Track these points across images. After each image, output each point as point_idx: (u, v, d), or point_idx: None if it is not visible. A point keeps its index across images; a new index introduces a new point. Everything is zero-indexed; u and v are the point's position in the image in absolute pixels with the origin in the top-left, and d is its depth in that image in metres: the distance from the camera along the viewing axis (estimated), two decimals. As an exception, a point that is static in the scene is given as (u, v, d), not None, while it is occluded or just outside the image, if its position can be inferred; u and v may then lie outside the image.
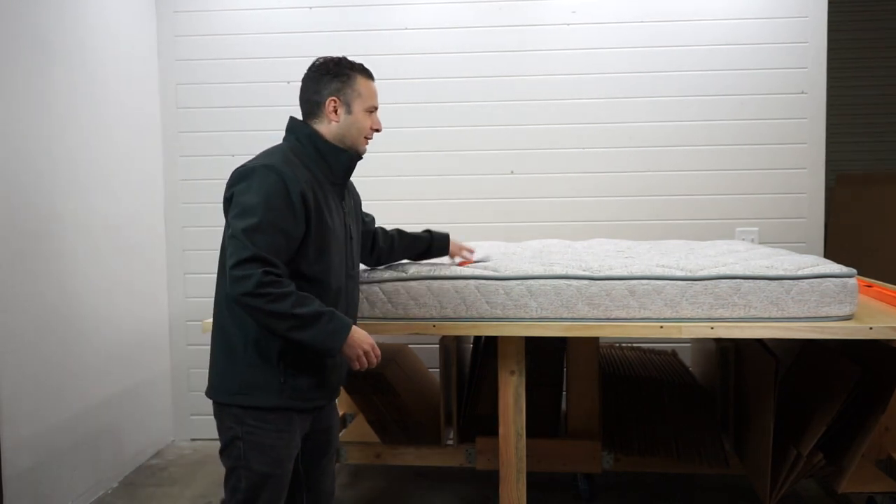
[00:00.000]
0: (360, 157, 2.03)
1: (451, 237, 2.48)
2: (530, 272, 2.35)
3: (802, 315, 2.26)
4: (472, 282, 2.36)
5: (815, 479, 3.09)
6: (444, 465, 2.95)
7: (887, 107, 5.53)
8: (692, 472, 2.91)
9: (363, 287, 2.39)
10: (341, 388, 2.15)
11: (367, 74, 2.03)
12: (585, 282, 2.32)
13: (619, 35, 3.66)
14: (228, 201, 1.84)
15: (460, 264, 2.47)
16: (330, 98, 1.95)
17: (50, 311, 2.89)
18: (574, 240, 3.52)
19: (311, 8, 3.76)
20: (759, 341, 2.62)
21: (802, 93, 3.60)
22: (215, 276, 2.07)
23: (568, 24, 3.68)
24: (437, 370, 2.94)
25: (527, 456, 2.49)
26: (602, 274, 2.32)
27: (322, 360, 1.92)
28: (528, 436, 2.49)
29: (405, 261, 2.51)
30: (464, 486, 3.25)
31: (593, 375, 2.90)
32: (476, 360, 2.95)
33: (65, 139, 3.00)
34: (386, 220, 3.75)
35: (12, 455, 2.66)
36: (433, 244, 2.44)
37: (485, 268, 2.41)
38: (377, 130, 2.04)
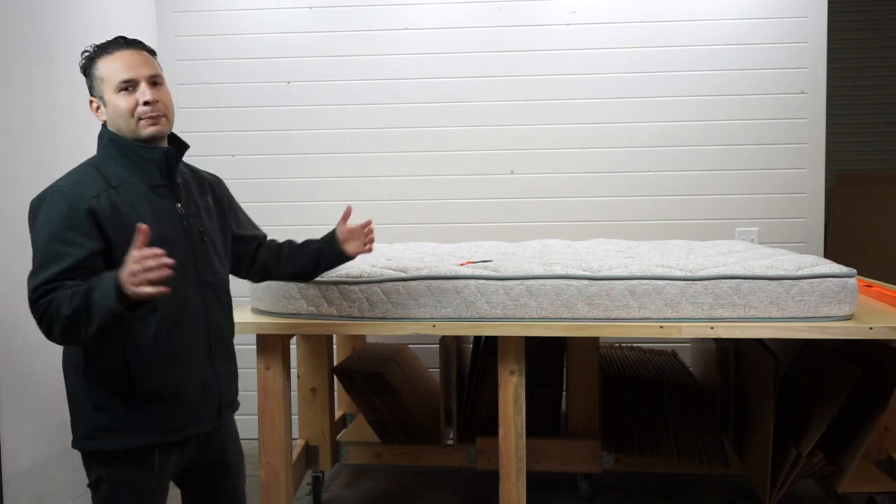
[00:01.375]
0: (179, 149, 1.78)
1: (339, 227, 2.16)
2: (530, 272, 2.35)
3: (802, 315, 2.26)
4: (472, 282, 2.35)
5: (815, 479, 3.09)
6: (444, 465, 2.95)
7: (887, 107, 5.53)
8: (692, 472, 2.91)
9: (363, 287, 2.38)
10: (237, 408, 1.98)
11: (109, 49, 1.70)
12: (585, 282, 2.31)
13: (619, 35, 3.66)
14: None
15: (461, 264, 2.47)
16: (89, 100, 1.74)
17: (50, 311, 2.89)
18: (574, 240, 3.52)
19: (311, 8, 3.76)
20: (759, 341, 2.62)
21: (802, 93, 3.60)
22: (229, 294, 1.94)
23: (568, 24, 3.68)
24: (437, 370, 2.95)
25: (527, 456, 2.49)
26: (602, 274, 2.32)
27: (179, 387, 1.72)
28: (528, 436, 2.49)
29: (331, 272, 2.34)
30: (464, 486, 3.25)
31: (593, 375, 2.90)
32: (476, 360, 2.95)
33: (65, 139, 3.00)
34: (386, 220, 3.78)
35: (12, 455, 2.66)
36: (322, 246, 2.15)
37: (485, 268, 2.41)
38: (147, 103, 1.68)
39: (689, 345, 3.60)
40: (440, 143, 3.75)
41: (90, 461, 1.73)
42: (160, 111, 1.71)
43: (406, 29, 3.73)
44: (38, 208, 1.63)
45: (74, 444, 1.73)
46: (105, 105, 1.71)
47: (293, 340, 2.78)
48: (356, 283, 2.39)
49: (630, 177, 3.69)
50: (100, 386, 1.67)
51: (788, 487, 2.49)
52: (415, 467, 3.42)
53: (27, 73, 2.79)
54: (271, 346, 2.50)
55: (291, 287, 2.43)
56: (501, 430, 2.45)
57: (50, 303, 1.51)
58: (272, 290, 2.47)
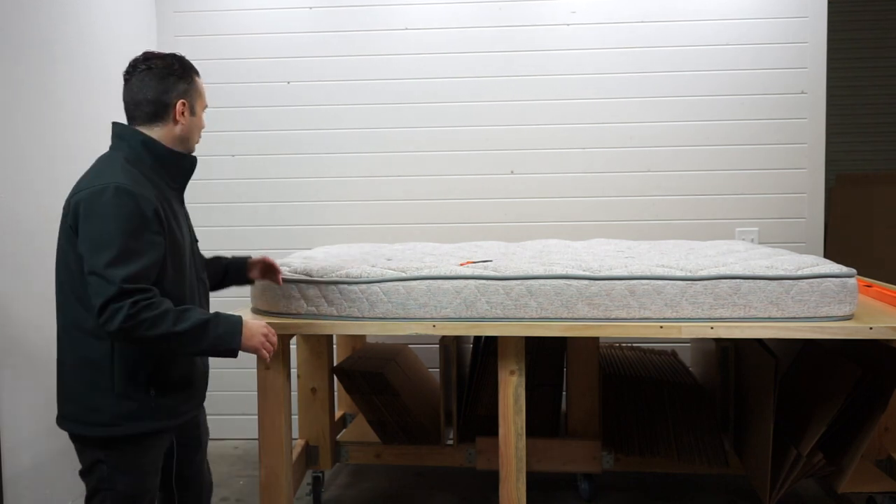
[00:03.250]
0: None
1: (255, 258, 2.34)
2: (530, 272, 2.35)
3: (802, 315, 2.26)
4: (472, 282, 2.35)
5: (815, 479, 3.09)
6: (444, 465, 2.95)
7: (887, 107, 5.53)
8: (692, 472, 2.91)
9: (363, 287, 2.39)
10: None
11: (199, 73, 1.99)
12: (585, 282, 2.32)
13: (618, 35, 3.66)
14: (73, 229, 1.74)
15: (461, 264, 2.47)
16: (180, 100, 1.88)
17: (50, 310, 2.89)
18: (574, 240, 3.52)
19: (311, 8, 3.76)
20: (759, 341, 2.62)
21: (802, 93, 3.61)
22: (208, 297, 2.05)
23: (568, 24, 3.68)
24: (437, 370, 2.95)
25: (527, 456, 2.49)
26: (602, 274, 2.32)
27: (191, 374, 1.91)
28: (528, 436, 2.49)
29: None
30: (464, 486, 3.25)
31: (593, 375, 2.90)
32: (476, 360, 2.95)
33: (66, 139, 3.00)
34: (385, 220, 3.78)
35: (12, 455, 2.66)
36: (230, 265, 2.28)
37: (485, 268, 2.41)
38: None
39: (689, 345, 3.61)
40: (440, 143, 3.75)
41: (90, 446, 1.82)
42: None
43: (406, 29, 3.73)
44: (100, 202, 1.71)
45: (81, 430, 1.82)
46: (192, 115, 1.92)
47: (293, 340, 2.78)
48: (356, 283, 2.39)
49: (630, 177, 3.69)
50: (128, 378, 1.79)
51: (788, 487, 2.49)
52: (415, 467, 3.42)
53: (27, 72, 2.79)
54: (271, 346, 2.50)
55: (291, 287, 2.43)
56: (501, 430, 2.45)
57: (148, 304, 1.67)
58: (272, 290, 2.47)
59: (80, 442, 1.85)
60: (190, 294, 1.91)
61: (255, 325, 1.86)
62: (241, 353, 1.82)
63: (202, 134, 2.05)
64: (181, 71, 1.90)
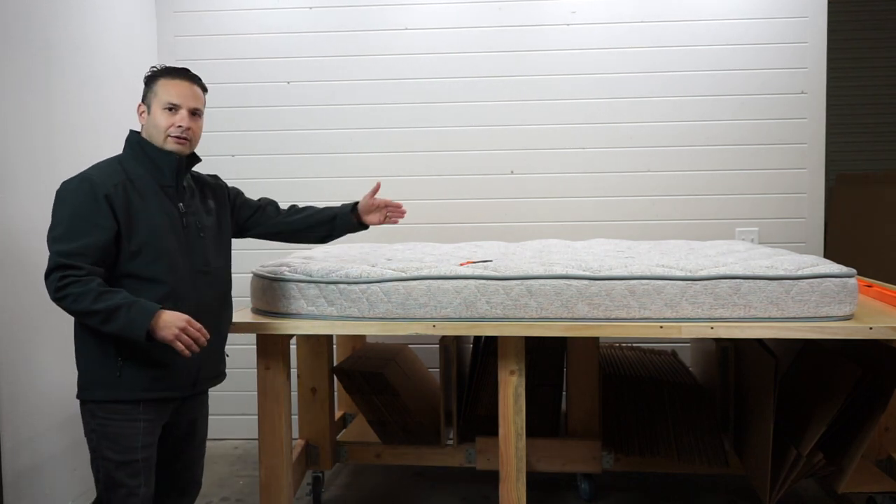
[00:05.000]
0: (191, 160, 2.14)
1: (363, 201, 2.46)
2: (530, 272, 2.35)
3: (802, 315, 2.26)
4: (472, 282, 2.35)
5: (815, 479, 3.09)
6: (444, 465, 2.95)
7: (887, 107, 5.53)
8: (692, 472, 2.91)
9: (363, 287, 2.38)
10: (221, 380, 2.25)
11: (171, 74, 2.08)
12: (585, 282, 2.31)
13: (618, 35, 3.66)
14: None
15: (461, 264, 2.47)
16: (139, 104, 2.10)
17: (50, 310, 2.88)
18: (574, 240, 3.52)
19: (311, 8, 3.76)
20: (759, 341, 2.62)
21: (802, 93, 3.61)
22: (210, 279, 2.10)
23: (568, 25, 3.68)
24: (437, 370, 2.95)
25: (527, 456, 2.49)
26: (602, 274, 2.32)
27: (162, 356, 1.99)
28: (528, 436, 2.49)
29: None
30: (464, 486, 3.25)
31: (593, 375, 2.90)
32: (476, 360, 2.95)
33: (65, 138, 3.00)
34: (386, 220, 3.77)
35: (12, 455, 2.66)
36: (339, 213, 2.44)
37: (485, 268, 2.41)
38: (179, 128, 2.05)
39: (689, 345, 3.60)
40: (440, 143, 3.75)
41: (85, 412, 2.02)
42: (188, 137, 2.08)
43: (406, 29, 3.73)
44: (66, 189, 1.95)
45: (77, 394, 2.04)
46: (149, 114, 2.07)
47: (293, 340, 2.78)
48: (356, 283, 2.39)
49: (630, 177, 3.69)
50: (99, 346, 1.97)
51: (788, 487, 2.49)
52: (415, 467, 3.42)
53: (27, 72, 2.79)
54: (271, 346, 2.50)
55: (291, 287, 2.43)
56: (501, 430, 2.45)
57: (76, 280, 1.84)
58: (272, 291, 2.47)
59: (82, 412, 2.04)
60: (176, 281, 2.02)
61: (172, 318, 1.89)
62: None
63: (203, 136, 2.17)
64: (148, 77, 2.09)
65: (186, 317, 1.90)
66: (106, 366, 1.97)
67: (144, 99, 2.09)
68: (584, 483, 3.06)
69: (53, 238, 1.90)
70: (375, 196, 2.47)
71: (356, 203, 2.46)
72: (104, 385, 1.98)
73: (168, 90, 2.05)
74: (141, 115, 2.09)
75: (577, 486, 3.14)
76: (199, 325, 1.92)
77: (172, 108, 2.05)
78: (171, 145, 2.05)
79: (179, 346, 1.88)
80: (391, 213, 2.49)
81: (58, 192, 1.96)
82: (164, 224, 2.02)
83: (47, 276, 1.88)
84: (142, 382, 1.99)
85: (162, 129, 2.04)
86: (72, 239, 1.88)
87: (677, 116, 3.66)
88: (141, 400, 2.00)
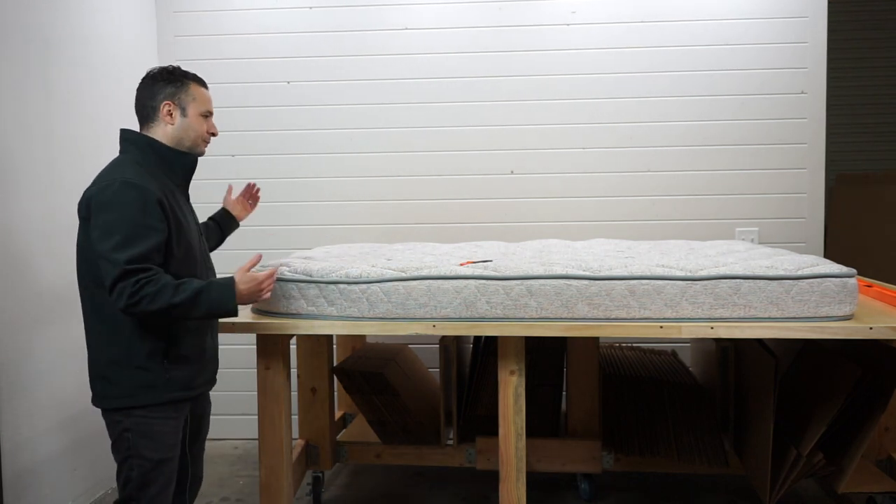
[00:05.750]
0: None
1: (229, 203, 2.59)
2: (530, 272, 2.35)
3: (802, 315, 2.26)
4: (472, 282, 2.35)
5: (815, 479, 3.09)
6: (444, 465, 2.95)
7: (887, 107, 5.53)
8: (692, 472, 2.91)
9: (363, 287, 2.39)
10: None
11: (201, 82, 2.14)
12: (585, 282, 2.31)
13: (618, 35, 3.66)
14: (86, 220, 1.94)
15: (461, 264, 2.47)
16: (164, 102, 2.06)
17: (50, 310, 2.89)
18: (574, 240, 3.52)
19: (311, 8, 3.76)
20: (759, 341, 2.62)
21: (802, 93, 3.61)
22: (216, 276, 2.13)
23: (568, 25, 3.68)
24: (437, 370, 2.95)
25: (527, 456, 2.49)
26: (602, 274, 2.32)
27: (202, 349, 2.09)
28: (528, 436, 2.49)
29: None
30: (464, 486, 3.25)
31: (593, 375, 2.90)
32: (476, 360, 2.95)
33: (65, 139, 3.00)
34: (386, 220, 3.78)
35: (12, 455, 2.66)
36: (219, 219, 2.55)
37: (485, 268, 2.41)
38: (213, 135, 2.16)
39: (689, 345, 3.60)
40: (440, 143, 3.75)
41: (117, 413, 1.98)
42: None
43: (406, 29, 3.73)
44: (108, 196, 1.91)
45: (107, 404, 2.00)
46: (184, 116, 2.07)
47: (293, 340, 2.78)
48: (356, 283, 2.39)
49: (630, 177, 3.69)
50: (144, 352, 1.97)
51: (788, 487, 2.49)
52: (415, 467, 3.42)
53: (27, 72, 2.79)
54: (271, 346, 2.50)
55: (291, 287, 2.43)
56: (501, 430, 2.45)
57: (148, 281, 1.86)
58: (272, 291, 2.47)
59: (109, 415, 2.01)
60: (200, 277, 2.10)
61: (245, 278, 2.00)
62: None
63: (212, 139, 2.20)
64: (170, 77, 2.07)
65: (251, 273, 2.02)
66: (151, 370, 1.98)
67: (175, 98, 2.06)
68: (584, 483, 3.06)
69: (114, 247, 1.86)
70: (232, 196, 2.61)
71: (223, 209, 2.58)
72: (152, 388, 1.98)
73: (203, 97, 2.11)
74: (170, 114, 2.06)
75: (577, 486, 3.14)
76: (269, 272, 2.07)
77: (208, 116, 2.13)
78: (202, 149, 2.14)
79: (266, 295, 2.05)
80: (249, 199, 2.62)
81: (100, 201, 1.90)
82: (192, 226, 2.11)
83: (114, 285, 1.85)
84: (186, 381, 2.04)
85: (200, 133, 2.11)
86: (134, 245, 1.87)
87: (677, 116, 3.66)
88: (183, 399, 2.05)
